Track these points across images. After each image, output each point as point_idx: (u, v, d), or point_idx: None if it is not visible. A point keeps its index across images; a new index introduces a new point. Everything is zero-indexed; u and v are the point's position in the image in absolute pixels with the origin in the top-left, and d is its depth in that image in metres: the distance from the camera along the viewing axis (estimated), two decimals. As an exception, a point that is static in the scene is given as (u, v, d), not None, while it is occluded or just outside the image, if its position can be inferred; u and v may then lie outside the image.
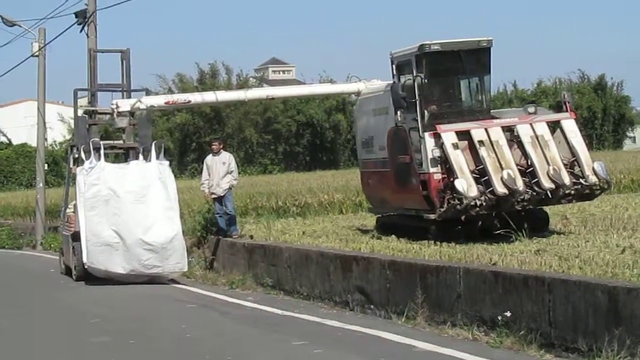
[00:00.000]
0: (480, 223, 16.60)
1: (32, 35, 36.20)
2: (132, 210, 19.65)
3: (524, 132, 16.54)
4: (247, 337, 13.01)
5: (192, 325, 14.02)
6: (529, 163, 16.31)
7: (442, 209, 16.19)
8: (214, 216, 21.52)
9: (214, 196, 20.93)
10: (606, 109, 72.32)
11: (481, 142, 16.19)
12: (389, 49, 17.76)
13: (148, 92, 24.65)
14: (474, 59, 17.23)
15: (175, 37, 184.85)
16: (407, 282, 13.58)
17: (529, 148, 16.36)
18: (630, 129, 77.10)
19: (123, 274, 19.50)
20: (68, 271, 21.71)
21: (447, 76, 17.76)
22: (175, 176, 21.05)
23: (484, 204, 15.88)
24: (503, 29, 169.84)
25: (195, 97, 23.40)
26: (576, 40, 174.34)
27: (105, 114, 22.49)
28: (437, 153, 16.24)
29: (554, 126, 16.98)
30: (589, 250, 13.82)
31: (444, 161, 16.23)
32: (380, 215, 19.60)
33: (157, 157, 20.49)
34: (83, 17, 30.15)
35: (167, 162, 20.82)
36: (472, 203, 15.79)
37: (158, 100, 22.69)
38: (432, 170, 16.35)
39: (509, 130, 16.62)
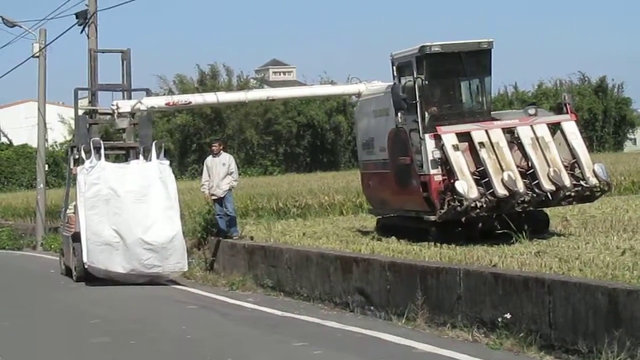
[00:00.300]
0: (480, 224, 16.61)
1: (33, 36, 36.27)
2: (133, 209, 19.66)
3: (525, 133, 16.54)
4: (247, 338, 13.01)
5: (192, 326, 14.02)
6: (530, 165, 16.31)
7: (442, 211, 16.19)
8: (214, 217, 21.52)
9: (214, 197, 20.94)
10: (607, 110, 72.28)
11: (482, 144, 16.19)
12: (389, 50, 17.78)
13: (149, 92, 24.65)
14: (475, 60, 17.23)
15: (175, 38, 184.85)
16: (407, 284, 13.58)
17: (529, 150, 16.35)
18: (630, 130, 77.05)
19: (123, 274, 19.51)
20: (68, 272, 21.71)
21: (448, 78, 17.77)
22: (175, 177, 21.05)
23: (485, 205, 15.88)
24: (504, 31, 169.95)
25: (196, 98, 23.40)
26: (577, 41, 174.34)
27: (106, 114, 22.50)
28: (437, 154, 16.25)
29: (555, 128, 16.98)
30: (589, 252, 13.82)
31: (444, 163, 16.23)
32: (380, 217, 19.61)
33: (158, 157, 20.50)
34: (83, 18, 30.16)
35: (168, 162, 20.83)
36: (473, 204, 15.79)
37: (159, 101, 22.69)
38: (432, 171, 16.35)
39: (509, 131, 16.62)
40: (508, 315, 11.41)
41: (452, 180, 16.03)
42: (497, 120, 17.00)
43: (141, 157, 20.68)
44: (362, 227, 21.17)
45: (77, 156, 21.00)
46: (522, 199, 15.99)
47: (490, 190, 15.86)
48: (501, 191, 15.80)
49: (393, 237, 17.58)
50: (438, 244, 15.91)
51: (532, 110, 17.31)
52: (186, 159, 63.56)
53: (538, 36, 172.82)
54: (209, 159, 21.16)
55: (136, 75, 25.87)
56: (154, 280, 19.73)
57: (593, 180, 16.41)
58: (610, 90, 74.01)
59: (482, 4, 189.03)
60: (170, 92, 63.44)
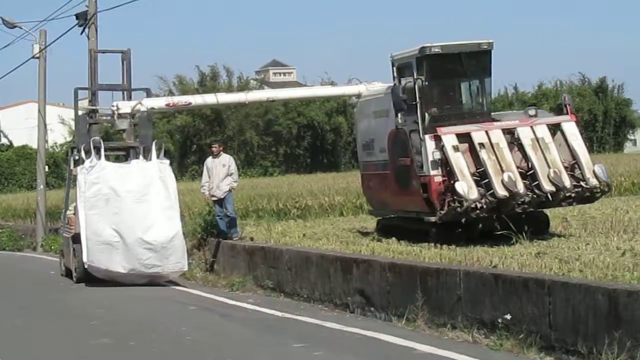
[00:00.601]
0: (480, 225, 16.59)
1: (33, 37, 36.27)
2: (133, 209, 19.65)
3: (525, 134, 16.53)
4: (247, 339, 13.00)
5: (192, 327, 14.02)
6: (530, 166, 16.30)
7: (442, 212, 16.19)
8: (214, 218, 21.52)
9: (214, 198, 20.93)
10: (607, 111, 72.30)
11: (482, 145, 16.19)
12: (389, 51, 17.77)
13: (149, 92, 24.65)
14: (475, 61, 17.23)
15: (175, 39, 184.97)
16: (408, 285, 13.58)
17: (529, 151, 16.35)
18: (631, 131, 77.08)
19: (123, 273, 19.51)
20: (68, 273, 21.71)
21: (448, 79, 17.77)
22: (175, 178, 21.03)
23: (485, 206, 15.87)
24: (504, 31, 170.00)
25: (196, 99, 23.40)
26: (577, 42, 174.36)
27: (106, 115, 22.50)
28: (437, 155, 16.24)
29: (555, 129, 16.98)
30: (590, 252, 13.82)
31: (444, 164, 16.23)
32: (380, 218, 19.61)
33: (158, 156, 20.50)
34: (84, 19, 30.17)
35: (168, 162, 20.83)
36: (473, 205, 15.78)
37: (159, 102, 22.68)
38: (432, 172, 16.35)
39: (509, 132, 16.61)
40: (508, 316, 11.41)
41: (452, 181, 16.03)
42: (497, 121, 16.99)
43: (141, 156, 20.69)
44: (362, 228, 21.17)
45: (77, 157, 21.01)
46: (522, 199, 15.98)
47: (491, 191, 15.85)
48: (501, 192, 15.79)
49: (393, 238, 17.58)
50: (438, 245, 15.90)
51: (532, 111, 17.31)
52: (186, 160, 63.58)
53: (538, 37, 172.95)
54: (209, 160, 21.15)
55: (136, 76, 25.85)
56: (154, 280, 19.74)
57: (593, 181, 16.40)
58: (610, 91, 74.04)
59: (482, 5, 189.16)
60: (170, 93, 63.50)
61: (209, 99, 23.76)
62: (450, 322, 12.49)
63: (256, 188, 35.99)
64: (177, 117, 63.61)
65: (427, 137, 16.44)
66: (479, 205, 15.83)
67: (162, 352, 12.24)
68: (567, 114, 17.15)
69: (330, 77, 68.09)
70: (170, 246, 19.58)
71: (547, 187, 16.11)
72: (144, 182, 20.06)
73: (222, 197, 20.79)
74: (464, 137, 16.32)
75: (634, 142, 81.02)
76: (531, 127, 16.65)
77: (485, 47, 17.09)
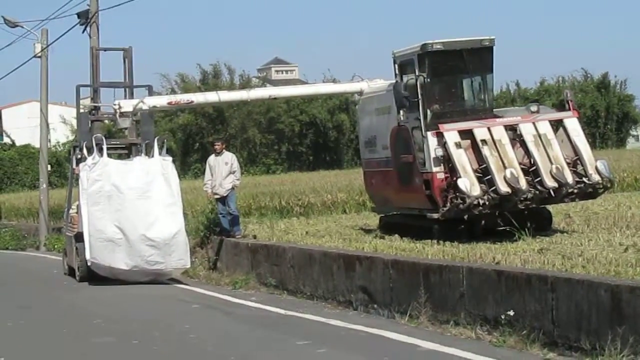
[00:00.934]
0: (483, 222, 16.58)
1: (35, 36, 36.33)
2: (135, 206, 19.66)
3: (527, 130, 16.52)
4: (250, 337, 13.01)
5: (195, 325, 14.03)
6: (532, 162, 16.29)
7: (445, 208, 16.19)
8: (217, 216, 21.53)
9: (216, 196, 20.93)
10: (609, 107, 72.15)
11: (484, 141, 16.18)
12: (391, 48, 17.77)
13: (151, 89, 24.65)
14: (477, 58, 17.22)
15: (177, 38, 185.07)
16: (410, 282, 13.58)
17: (531, 147, 16.34)
18: (633, 127, 76.92)
19: (126, 270, 19.51)
20: (71, 272, 21.73)
21: (450, 75, 17.76)
22: (178, 176, 21.01)
23: (487, 203, 15.87)
24: (506, 28, 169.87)
25: (198, 97, 23.38)
26: (579, 38, 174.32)
27: (108, 113, 22.51)
28: (439, 152, 16.24)
29: (557, 125, 16.97)
30: (592, 248, 13.82)
31: (446, 160, 16.23)
32: (383, 215, 19.61)
33: (160, 153, 20.51)
34: (85, 18, 30.18)
35: (170, 158, 20.81)
36: (475, 202, 15.78)
37: (160, 101, 22.67)
38: (435, 169, 16.35)
39: (511, 129, 16.60)
40: (511, 313, 11.41)
41: (454, 178, 16.03)
42: (499, 117, 16.99)
43: (143, 153, 20.70)
44: (365, 225, 21.18)
45: (79, 156, 21.01)
46: (524, 196, 15.97)
47: (493, 188, 15.85)
48: (504, 188, 15.79)
49: (396, 235, 17.58)
50: (441, 242, 15.91)
51: (534, 108, 17.31)
52: (189, 158, 63.57)
53: (540, 33, 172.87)
54: (212, 158, 21.15)
55: (138, 75, 25.88)
56: (157, 278, 19.75)
57: (595, 177, 16.39)
58: (612, 86, 73.85)
59: (484, 2, 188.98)
60: (173, 91, 63.51)
61: (211, 97, 23.76)
62: (453, 318, 12.49)
63: (259, 186, 35.99)
64: (180, 115, 63.62)
65: (429, 133, 16.43)
66: (481, 202, 15.82)
67: (166, 350, 12.25)
68: (570, 110, 17.14)
69: (332, 74, 68.16)
70: (173, 243, 19.58)
71: (550, 183, 16.10)
72: (146, 179, 20.06)
73: (224, 195, 20.79)
74: (466, 134, 16.32)
75: (637, 138, 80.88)
76: (533, 123, 16.64)
77: (487, 43, 17.08)
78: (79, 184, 20.35)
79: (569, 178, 16.21)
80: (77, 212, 21.08)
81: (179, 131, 64.47)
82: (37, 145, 42.75)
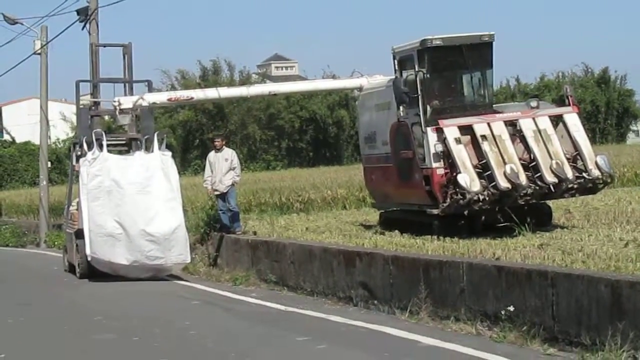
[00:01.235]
0: (483, 218, 16.59)
1: (34, 33, 36.30)
2: (135, 201, 19.65)
3: (527, 126, 16.52)
4: (250, 333, 13.01)
5: (196, 321, 14.03)
6: (532, 157, 16.29)
7: (445, 204, 16.19)
8: (217, 213, 21.54)
9: (216, 193, 20.93)
10: (609, 102, 72.11)
11: (484, 137, 16.18)
12: (391, 44, 17.76)
13: (150, 84, 24.60)
14: (476, 53, 17.21)
15: (177, 34, 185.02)
16: (411, 278, 13.58)
17: (531, 142, 16.33)
18: (633, 122, 76.88)
19: (126, 265, 19.50)
20: (72, 269, 21.73)
21: (450, 71, 17.76)
22: (178, 173, 21.00)
23: (487, 198, 15.86)
24: (506, 23, 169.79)
25: (198, 94, 23.37)
26: (579, 33, 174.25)
27: (108, 114, 22.51)
28: (439, 148, 16.24)
29: (557, 120, 16.96)
30: (592, 244, 13.81)
31: (446, 156, 16.22)
32: (383, 211, 19.60)
33: (160, 148, 20.50)
34: (85, 15, 30.19)
35: (170, 153, 20.80)
36: (475, 198, 15.78)
37: (160, 97, 22.63)
38: (434, 165, 16.35)
39: (511, 124, 16.59)
40: (511, 308, 11.41)
41: (454, 174, 16.02)
42: (499, 113, 16.97)
43: (143, 148, 20.71)
44: (365, 221, 21.17)
45: (79, 153, 21.01)
46: (524, 191, 15.97)
47: (493, 183, 15.84)
48: (504, 184, 15.78)
49: (396, 231, 17.58)
50: (441, 238, 15.90)
51: (534, 103, 17.29)
52: (189, 154, 63.58)
53: (540, 28, 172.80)
54: (212, 155, 21.15)
55: (138, 71, 25.97)
56: (157, 274, 19.77)
57: (595, 172, 16.38)
58: (613, 81, 73.82)
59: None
60: (173, 88, 63.57)
61: (211, 93, 23.74)
62: (454, 314, 12.50)
63: (259, 182, 35.99)
64: (180, 112, 63.59)
65: (429, 129, 16.43)
66: (481, 198, 15.82)
67: (166, 346, 12.24)
68: (569, 105, 17.13)
69: (332, 70, 68.25)
70: (173, 238, 19.58)
71: (550, 178, 16.09)
72: (146, 174, 20.06)
73: (224, 191, 20.79)
74: (466, 129, 16.31)
75: (637, 133, 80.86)
76: (533, 118, 16.63)
77: (487, 39, 17.07)
78: (79, 180, 20.35)
79: (569, 173, 16.21)
80: (77, 209, 21.09)
81: (179, 128, 64.45)
82: (37, 142, 42.75)
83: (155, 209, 19.72)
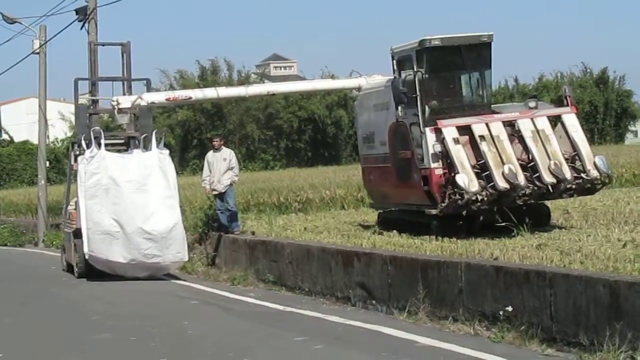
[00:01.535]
0: (481, 218, 16.59)
1: (33, 32, 36.27)
2: (132, 199, 19.64)
3: (525, 126, 16.52)
4: (248, 332, 13.00)
5: (193, 321, 14.03)
6: (530, 157, 16.29)
7: (443, 204, 16.19)
8: (215, 212, 21.52)
9: (215, 192, 20.93)
10: (608, 103, 72.19)
11: (482, 137, 16.18)
12: (389, 44, 17.76)
13: (149, 83, 24.58)
14: (475, 54, 17.22)
15: (176, 34, 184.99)
16: (409, 278, 13.58)
17: (530, 142, 16.34)
18: (632, 123, 76.97)
19: (124, 264, 19.48)
20: (70, 268, 21.72)
21: (448, 71, 17.77)
22: (176, 173, 21.01)
23: (485, 198, 15.87)
24: (504, 23, 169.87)
25: (196, 93, 23.36)
26: (578, 34, 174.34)
27: (106, 111, 22.49)
28: (438, 148, 16.24)
29: (555, 120, 16.97)
30: (591, 244, 13.81)
31: (445, 156, 16.23)
32: (381, 211, 19.60)
33: (157, 146, 20.49)
34: (83, 14, 30.14)
35: (167, 151, 20.80)
36: (474, 198, 15.78)
37: (159, 97, 22.62)
38: (433, 165, 16.35)
39: (510, 124, 16.60)
40: (509, 309, 11.41)
41: (452, 174, 16.03)
42: (497, 113, 16.98)
43: (141, 146, 20.71)
44: (363, 221, 21.17)
45: (77, 152, 21.00)
46: (523, 191, 15.97)
47: (491, 184, 15.85)
48: (502, 184, 15.79)
49: (394, 231, 17.58)
50: (439, 238, 15.90)
51: (532, 103, 17.30)
52: (187, 154, 63.59)
53: (539, 29, 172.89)
54: (210, 154, 21.15)
55: (137, 71, 26.00)
56: (155, 273, 19.75)
57: (594, 173, 16.39)
58: (611, 82, 73.90)
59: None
60: (171, 87, 63.58)
61: (209, 93, 23.74)
62: (452, 314, 12.50)
63: (257, 182, 35.97)
64: (178, 111, 63.59)
65: (427, 129, 16.44)
66: (479, 198, 15.82)
67: (164, 346, 12.23)
68: (568, 105, 17.14)
69: (330, 70, 68.19)
70: (171, 236, 19.56)
71: (548, 178, 16.10)
72: (143, 172, 20.05)
73: (223, 191, 20.78)
74: (465, 130, 16.32)
75: (635, 134, 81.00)
76: (531, 119, 16.64)
77: (485, 39, 17.08)
78: (77, 180, 20.34)
79: (567, 174, 16.21)
80: (75, 209, 21.09)
81: (178, 127, 64.46)
82: (36, 142, 42.74)
83: (153, 207, 19.71)
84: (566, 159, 16.41)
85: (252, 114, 65.23)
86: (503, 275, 11.74)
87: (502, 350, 10.86)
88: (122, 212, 19.52)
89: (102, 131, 20.92)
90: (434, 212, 16.48)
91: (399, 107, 16.94)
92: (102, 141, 20.25)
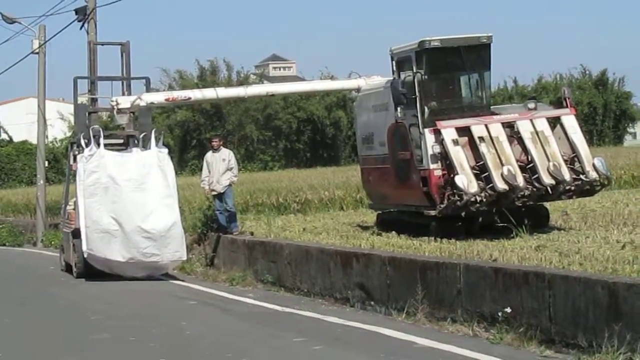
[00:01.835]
0: (480, 219, 16.59)
1: (32, 32, 36.26)
2: (131, 197, 19.63)
3: (524, 128, 16.53)
4: (247, 333, 12.99)
5: (192, 321, 14.02)
6: (529, 159, 16.30)
7: (442, 205, 16.19)
8: (214, 213, 21.52)
9: (214, 193, 20.92)
10: (607, 104, 72.19)
11: (481, 138, 16.18)
12: (389, 45, 17.76)
13: (148, 81, 24.61)
14: (474, 55, 17.22)
15: (175, 34, 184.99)
16: (408, 279, 13.58)
17: (529, 144, 16.34)
18: (631, 124, 76.97)
19: (122, 262, 19.45)
20: (68, 268, 21.71)
21: (447, 72, 17.77)
22: (175, 173, 21.00)
23: (484, 200, 15.87)
24: (503, 25, 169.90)
25: (195, 94, 23.36)
26: (578, 36, 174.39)
27: (105, 110, 22.47)
28: (437, 149, 16.25)
29: (554, 122, 16.97)
30: (589, 246, 13.81)
31: (444, 157, 16.23)
32: (380, 212, 19.60)
33: (157, 145, 20.49)
34: (83, 14, 30.14)
35: (166, 150, 20.79)
36: (473, 199, 15.78)
37: (158, 97, 22.61)
38: (432, 166, 16.35)
39: (509, 126, 16.61)
40: (508, 310, 11.41)
41: (452, 175, 16.03)
42: (496, 114, 16.99)
43: (140, 145, 20.70)
44: (362, 222, 21.17)
45: (77, 152, 20.98)
46: (522, 193, 15.98)
47: (490, 185, 15.85)
48: (501, 185, 15.79)
49: (393, 232, 17.58)
50: (438, 239, 15.90)
51: (531, 105, 17.32)
52: (186, 154, 63.55)
53: (538, 30, 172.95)
54: (209, 155, 21.14)
55: (136, 71, 26.00)
56: (153, 272, 19.75)
57: (593, 174, 16.40)
58: (610, 84, 73.91)
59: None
60: (171, 87, 63.58)
61: (209, 93, 23.75)
62: (451, 315, 12.50)
63: (256, 182, 35.95)
64: (177, 112, 63.55)
65: (426, 130, 16.43)
66: (478, 199, 15.83)
67: (162, 346, 12.22)
68: (567, 107, 17.14)
69: (329, 71, 68.34)
70: (169, 235, 19.55)
71: (547, 180, 16.11)
72: (142, 171, 20.04)
73: (222, 191, 20.78)
74: (464, 131, 16.32)
75: (634, 135, 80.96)
76: (531, 120, 16.65)
77: (485, 40, 17.09)
78: (76, 180, 20.32)
79: (566, 175, 16.22)
80: (74, 209, 21.08)
81: (177, 128, 64.42)
82: (35, 142, 42.73)
83: (152, 206, 19.69)
84: (565, 161, 16.42)
85: (251, 115, 65.21)
86: (502, 276, 11.74)
87: (501, 351, 10.86)
88: (121, 210, 19.51)
89: (101, 130, 20.90)
90: (432, 213, 16.49)
91: (398, 108, 16.94)
92: (102, 140, 20.24)
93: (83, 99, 24.98)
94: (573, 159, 16.59)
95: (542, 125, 16.61)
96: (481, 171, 16.04)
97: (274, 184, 33.87)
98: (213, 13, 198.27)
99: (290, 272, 17.51)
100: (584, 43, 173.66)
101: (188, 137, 64.72)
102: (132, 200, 19.62)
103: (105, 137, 20.83)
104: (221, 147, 21.28)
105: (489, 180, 15.88)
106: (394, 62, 17.64)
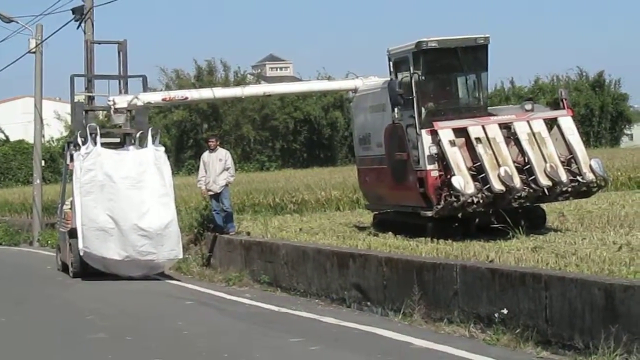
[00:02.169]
0: (477, 220, 16.59)
1: (29, 31, 36.22)
2: (128, 195, 19.60)
3: (521, 129, 16.52)
4: (243, 334, 13.00)
5: (188, 322, 14.01)
6: (526, 160, 16.30)
7: (439, 206, 16.18)
8: (210, 213, 21.51)
9: (210, 193, 20.91)
10: (604, 106, 72.17)
11: (478, 139, 16.18)
12: (386, 46, 17.76)
13: (145, 80, 24.59)
14: (471, 56, 17.23)
15: (172, 34, 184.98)
16: (404, 279, 13.58)
17: (526, 145, 16.34)
18: (627, 126, 76.96)
19: (118, 260, 19.42)
20: (65, 268, 21.69)
21: (444, 73, 17.76)
22: (172, 172, 20.96)
23: (481, 201, 15.87)
24: (500, 26, 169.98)
25: (192, 94, 23.36)
26: (574, 37, 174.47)
27: (102, 109, 22.44)
28: (434, 150, 16.24)
29: (551, 123, 16.97)
30: (586, 247, 13.81)
31: (441, 158, 16.22)
32: (377, 212, 19.59)
33: (153, 143, 20.46)
34: (80, 14, 30.11)
35: (163, 148, 20.77)
36: (469, 200, 15.78)
37: (155, 97, 22.58)
38: (429, 167, 16.35)
39: (506, 127, 16.60)
40: (505, 311, 11.41)
41: (448, 176, 16.03)
42: (493, 115, 16.99)
43: (137, 143, 20.69)
44: (358, 222, 21.16)
45: (73, 152, 20.95)
46: (518, 194, 15.98)
47: (487, 186, 15.84)
48: (498, 187, 15.79)
49: (390, 233, 17.58)
50: (435, 240, 15.89)
51: (528, 106, 17.30)
52: (183, 154, 63.55)
53: (535, 31, 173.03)
54: (206, 155, 21.13)
55: (133, 70, 25.91)
56: (150, 272, 19.74)
57: (589, 176, 16.39)
58: (607, 85, 73.92)
59: (480, 0, 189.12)
60: (168, 87, 63.57)
61: (206, 93, 23.73)
62: (447, 316, 12.50)
63: (253, 183, 35.95)
64: (174, 111, 63.59)
65: (423, 131, 16.43)
66: (475, 200, 15.83)
67: (158, 346, 12.22)
68: (564, 108, 17.14)
69: (326, 71, 68.33)
70: (165, 233, 19.53)
71: (544, 181, 16.10)
72: (139, 169, 20.01)
73: (218, 191, 20.76)
74: (461, 132, 16.32)
75: (631, 137, 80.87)
76: (528, 121, 16.64)
77: (482, 41, 17.09)
78: (72, 179, 20.30)
79: (563, 177, 16.22)
80: (70, 208, 21.06)
81: (173, 127, 64.45)
82: (31, 141, 42.70)
83: (148, 204, 19.67)
84: (562, 162, 16.42)
85: (248, 115, 65.26)
86: (498, 277, 11.74)
87: (497, 352, 10.86)
88: (117, 208, 19.49)
89: (97, 128, 20.87)
90: (429, 214, 16.48)
91: (395, 109, 16.94)
92: (98, 138, 20.22)
93: (80, 97, 24.95)
94: (570, 161, 16.58)
95: (539, 126, 16.61)
96: (478, 172, 16.04)
97: (270, 184, 33.87)
98: (210, 13, 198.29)
99: (287, 272, 17.50)
100: (581, 45, 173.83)
101: (185, 137, 64.77)
102: (128, 198, 19.59)
103: (102, 135, 20.78)
104: (218, 147, 21.28)
105: (485, 181, 15.89)
106: (391, 63, 17.63)
